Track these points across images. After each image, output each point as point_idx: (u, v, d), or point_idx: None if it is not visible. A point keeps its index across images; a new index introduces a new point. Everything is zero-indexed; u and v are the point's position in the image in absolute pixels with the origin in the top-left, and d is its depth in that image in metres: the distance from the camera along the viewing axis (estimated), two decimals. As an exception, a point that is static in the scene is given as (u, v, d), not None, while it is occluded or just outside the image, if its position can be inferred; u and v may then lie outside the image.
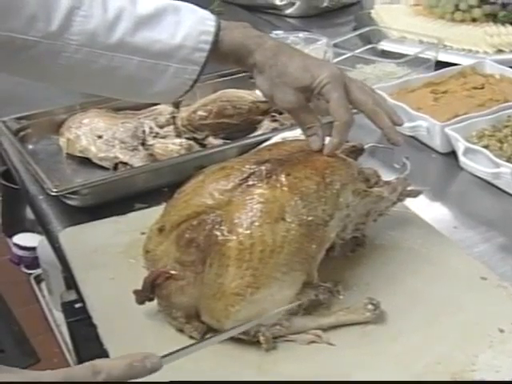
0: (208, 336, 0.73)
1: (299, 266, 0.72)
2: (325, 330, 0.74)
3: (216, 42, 0.79)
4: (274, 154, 0.79)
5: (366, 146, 0.91)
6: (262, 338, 0.71)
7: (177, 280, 0.72)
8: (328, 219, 0.74)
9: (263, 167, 0.75)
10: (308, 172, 0.76)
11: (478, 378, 0.68)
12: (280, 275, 0.70)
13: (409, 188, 0.89)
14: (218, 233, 0.71)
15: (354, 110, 0.80)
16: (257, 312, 0.71)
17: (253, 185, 0.74)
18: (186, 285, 0.71)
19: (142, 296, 0.74)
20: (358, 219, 0.83)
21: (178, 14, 0.79)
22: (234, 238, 0.70)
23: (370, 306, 0.75)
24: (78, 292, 0.83)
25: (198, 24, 0.79)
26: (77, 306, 1.67)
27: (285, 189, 0.73)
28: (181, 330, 0.74)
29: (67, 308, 1.78)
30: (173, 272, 0.72)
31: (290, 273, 0.71)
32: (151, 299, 0.74)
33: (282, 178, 0.74)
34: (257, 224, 0.70)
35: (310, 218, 0.72)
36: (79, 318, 1.68)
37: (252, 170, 0.75)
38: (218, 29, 0.79)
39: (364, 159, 0.91)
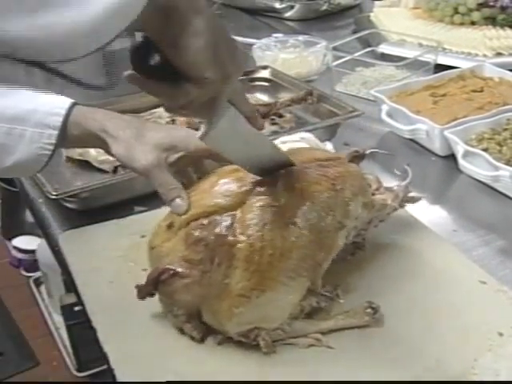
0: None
1: (306, 273, 0.71)
2: (324, 333, 0.74)
3: (73, 108, 0.79)
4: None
5: (368, 152, 0.91)
6: (262, 342, 0.71)
7: (182, 278, 0.71)
8: (339, 226, 0.75)
9: (277, 173, 0.75)
10: (319, 178, 0.76)
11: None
12: (286, 280, 0.70)
13: (409, 194, 0.89)
14: (229, 233, 0.71)
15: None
16: (260, 315, 0.71)
17: (266, 189, 0.74)
18: (191, 283, 0.71)
19: (144, 291, 0.73)
20: (360, 226, 0.83)
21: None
22: (245, 239, 0.70)
23: (369, 310, 0.75)
24: (78, 295, 0.83)
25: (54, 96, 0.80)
26: (76, 309, 1.68)
27: (297, 194, 0.73)
28: (181, 330, 0.74)
29: (66, 311, 1.78)
30: (179, 269, 0.71)
31: (296, 278, 0.71)
32: (152, 295, 0.74)
33: (296, 183, 0.74)
34: (268, 227, 0.70)
35: (320, 225, 0.73)
36: (78, 321, 1.68)
37: None
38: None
39: (364, 164, 0.91)
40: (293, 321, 0.73)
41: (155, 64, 0.59)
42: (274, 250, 0.70)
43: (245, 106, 0.69)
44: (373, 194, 0.84)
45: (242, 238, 0.70)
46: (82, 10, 0.50)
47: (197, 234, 0.72)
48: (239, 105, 0.67)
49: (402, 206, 0.89)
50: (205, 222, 0.72)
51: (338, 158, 0.84)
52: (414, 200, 0.91)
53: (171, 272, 0.71)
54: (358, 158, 0.89)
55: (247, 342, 0.72)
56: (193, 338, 0.74)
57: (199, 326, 0.74)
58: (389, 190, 0.87)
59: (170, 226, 0.75)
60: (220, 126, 0.64)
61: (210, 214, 0.73)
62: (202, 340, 0.74)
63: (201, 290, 0.71)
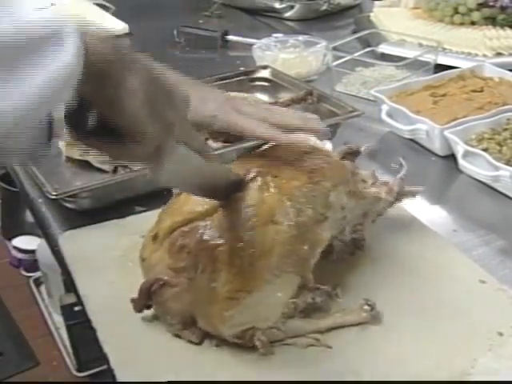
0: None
1: (292, 269, 0.71)
2: (323, 332, 0.74)
3: None
4: (267, 158, 0.79)
5: (363, 148, 0.91)
6: (257, 343, 0.71)
7: (171, 287, 0.72)
8: (321, 219, 0.74)
9: (253, 171, 0.75)
10: (295, 173, 0.76)
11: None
12: (272, 278, 0.70)
13: (405, 188, 0.89)
14: (209, 238, 0.71)
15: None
16: (251, 316, 0.70)
17: (243, 190, 0.73)
18: (180, 291, 0.71)
19: (140, 304, 0.74)
20: (355, 220, 0.83)
21: None
22: (224, 242, 0.70)
23: (366, 307, 0.75)
24: (78, 295, 0.83)
25: None
26: (76, 309, 1.68)
27: (273, 191, 0.73)
28: (178, 336, 0.74)
29: (66, 311, 1.78)
30: (166, 279, 0.72)
31: (281, 275, 0.70)
32: (149, 307, 0.74)
33: (270, 180, 0.74)
34: (246, 227, 0.70)
35: (300, 220, 0.72)
36: (78, 321, 1.68)
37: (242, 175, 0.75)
38: None
39: (363, 161, 0.91)
40: (289, 320, 0.73)
41: (93, 126, 0.56)
42: (254, 250, 0.70)
43: (194, 142, 0.68)
44: (368, 189, 0.84)
45: (222, 240, 0.70)
46: (7, 95, 0.45)
47: (179, 242, 0.72)
48: (188, 142, 0.66)
49: (398, 199, 0.89)
50: (186, 229, 0.73)
51: (316, 150, 0.83)
52: (411, 194, 0.91)
53: (161, 282, 0.72)
54: (351, 154, 0.88)
55: (243, 344, 0.72)
56: (191, 343, 0.74)
57: (196, 331, 0.73)
58: (384, 184, 0.87)
59: (155, 237, 0.76)
60: (168, 168, 0.63)
61: (190, 221, 0.73)
62: (200, 343, 0.74)
63: (190, 297, 0.71)
